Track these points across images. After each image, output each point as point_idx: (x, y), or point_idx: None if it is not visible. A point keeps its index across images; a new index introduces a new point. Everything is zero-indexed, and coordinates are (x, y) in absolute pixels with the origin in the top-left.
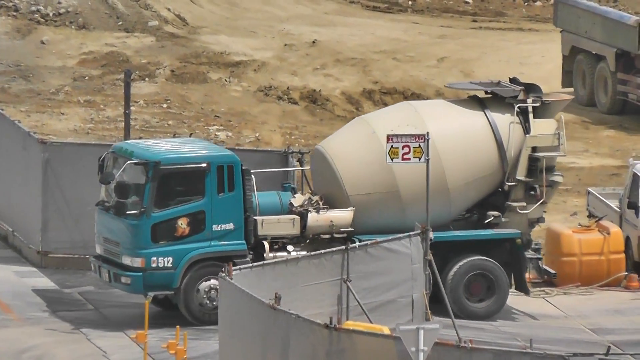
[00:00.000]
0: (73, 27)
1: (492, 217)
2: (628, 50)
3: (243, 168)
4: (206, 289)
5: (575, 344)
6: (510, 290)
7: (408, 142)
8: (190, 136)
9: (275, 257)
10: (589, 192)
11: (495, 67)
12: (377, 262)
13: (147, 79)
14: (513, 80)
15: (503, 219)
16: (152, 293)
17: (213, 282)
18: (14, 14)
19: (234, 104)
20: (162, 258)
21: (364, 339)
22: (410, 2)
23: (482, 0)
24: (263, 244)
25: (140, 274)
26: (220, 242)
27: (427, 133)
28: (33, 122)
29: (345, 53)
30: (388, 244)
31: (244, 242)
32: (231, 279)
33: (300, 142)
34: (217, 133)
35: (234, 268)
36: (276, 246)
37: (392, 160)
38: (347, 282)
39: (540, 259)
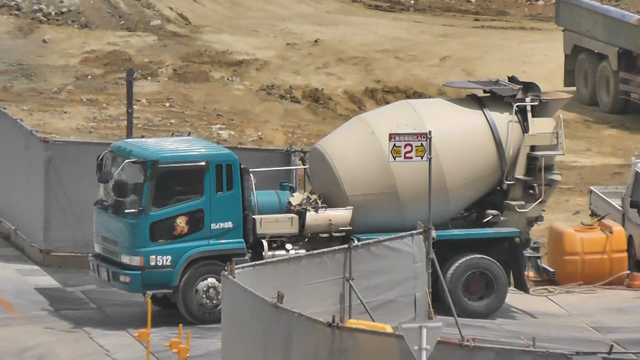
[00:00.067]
0: (75, 26)
1: (491, 216)
2: (630, 50)
3: (241, 167)
4: (205, 288)
5: (578, 342)
6: (509, 288)
7: (410, 140)
8: (188, 135)
9: (273, 255)
10: (591, 191)
11: (497, 66)
12: (380, 261)
13: (149, 77)
14: (512, 79)
15: (502, 218)
16: (151, 292)
17: (212, 280)
18: (16, 12)
19: (237, 102)
20: (160, 257)
21: (367, 337)
22: (412, 1)
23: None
24: (262, 242)
25: (139, 272)
26: (219, 241)
27: (430, 132)
28: (35, 121)
29: (347, 52)
30: (390, 242)
31: (242, 240)
32: (234, 277)
33: (303, 141)
34: (219, 132)
35: (236, 267)
36: (275, 245)
37: (394, 159)
38: (350, 281)
39: (539, 257)
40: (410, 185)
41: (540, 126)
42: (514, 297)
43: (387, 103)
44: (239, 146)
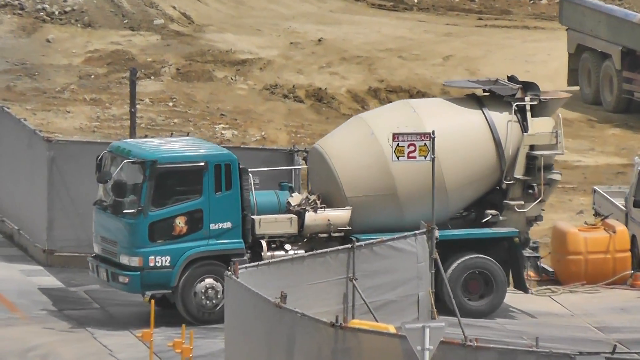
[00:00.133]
0: (78, 25)
1: (490, 216)
2: (633, 49)
3: (240, 167)
4: (204, 288)
5: (581, 342)
6: (510, 289)
7: (414, 140)
8: (187, 135)
9: (272, 256)
10: (594, 191)
11: (500, 65)
12: (383, 261)
13: (152, 77)
14: (511, 79)
15: (501, 218)
16: (150, 292)
17: (211, 280)
18: (20, 12)
19: (240, 102)
20: (159, 257)
21: (370, 337)
22: (415, 0)
23: None
24: (260, 242)
25: (138, 273)
26: (218, 241)
27: (433, 132)
28: (39, 121)
29: (350, 51)
30: (394, 242)
31: (241, 241)
32: (237, 277)
33: (306, 140)
34: (222, 131)
35: (240, 266)
36: (274, 245)
37: (397, 158)
38: (353, 281)
39: (538, 257)
40: (409, 186)
41: (540, 126)
42: (517, 297)
43: (391, 102)
44: (242, 146)
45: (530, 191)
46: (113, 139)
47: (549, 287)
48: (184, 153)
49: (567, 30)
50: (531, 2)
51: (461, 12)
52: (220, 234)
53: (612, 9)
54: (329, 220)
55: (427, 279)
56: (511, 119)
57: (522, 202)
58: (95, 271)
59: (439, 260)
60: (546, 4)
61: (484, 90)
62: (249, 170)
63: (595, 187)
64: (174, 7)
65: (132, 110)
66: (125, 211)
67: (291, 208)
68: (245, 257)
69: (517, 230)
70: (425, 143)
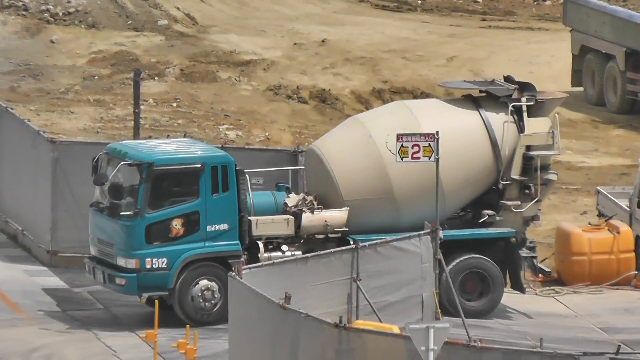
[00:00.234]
0: (82, 26)
1: (487, 216)
2: (637, 50)
3: (237, 168)
4: (201, 290)
5: (585, 343)
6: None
7: (418, 141)
8: (184, 136)
9: (269, 257)
10: (598, 192)
11: (504, 66)
12: (387, 261)
13: (156, 78)
14: (507, 79)
15: (498, 218)
16: (147, 294)
17: (207, 282)
18: (24, 13)
19: (244, 103)
20: (156, 259)
21: (374, 338)
22: (419, 1)
23: (491, 0)
24: (257, 244)
25: (135, 275)
26: (215, 243)
27: (437, 132)
28: (42, 121)
29: (354, 52)
30: (398, 243)
31: (238, 242)
32: (241, 278)
33: (310, 141)
34: (226, 132)
35: (243, 267)
36: (270, 246)
37: (402, 159)
38: (357, 281)
39: (535, 257)
40: (406, 187)
41: (536, 126)
42: (520, 298)
43: None
44: (246, 146)
45: (527, 191)
46: (117, 140)
47: (553, 287)
48: (181, 155)
49: (571, 31)
50: (535, 3)
51: (465, 13)
52: (217, 235)
53: (616, 10)
54: (325, 221)
55: (431, 279)
56: (507, 120)
57: (519, 203)
58: (92, 273)
59: (443, 261)
60: (550, 5)
61: (481, 91)
62: (252, 170)
63: (599, 188)
64: (178, 8)
65: (136, 111)
66: (121, 213)
67: (288, 209)
68: (242, 259)
69: (514, 230)
70: (429, 144)
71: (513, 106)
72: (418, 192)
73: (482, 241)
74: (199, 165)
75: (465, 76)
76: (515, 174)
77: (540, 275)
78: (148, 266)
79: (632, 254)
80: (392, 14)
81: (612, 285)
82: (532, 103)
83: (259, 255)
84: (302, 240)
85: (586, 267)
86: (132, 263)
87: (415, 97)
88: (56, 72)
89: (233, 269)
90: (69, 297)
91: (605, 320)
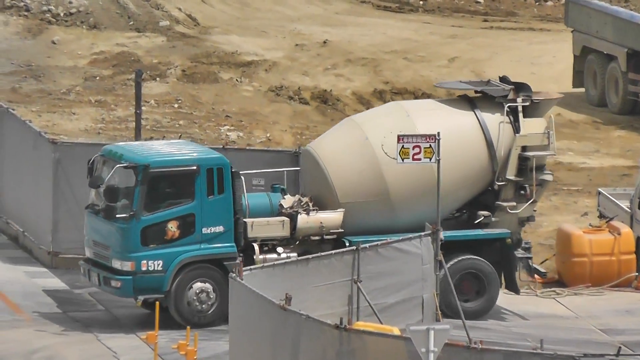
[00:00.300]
0: (84, 27)
1: (482, 217)
2: (639, 50)
3: (232, 170)
4: (196, 292)
5: (586, 344)
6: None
7: (419, 142)
8: (179, 138)
9: (265, 259)
10: (599, 193)
11: (506, 67)
12: (388, 263)
13: (158, 78)
14: (503, 79)
15: (493, 219)
16: (142, 297)
17: (203, 284)
18: (25, 13)
19: (245, 104)
20: (152, 261)
21: (375, 339)
22: (421, 2)
23: (493, 0)
24: (253, 246)
25: (130, 277)
26: (210, 245)
27: (438, 133)
28: (44, 122)
29: (356, 53)
30: (398, 244)
31: (233, 244)
32: (242, 279)
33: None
34: (228, 133)
35: (244, 268)
36: (266, 248)
37: (402, 160)
38: (358, 283)
39: (530, 258)
40: (402, 189)
41: (532, 126)
42: (520, 299)
43: None
44: (247, 147)
45: (523, 192)
46: (118, 141)
47: (553, 289)
48: (176, 157)
49: (572, 32)
50: (537, 3)
51: (467, 14)
52: (212, 238)
53: (618, 11)
54: (321, 222)
55: (432, 281)
56: (503, 120)
57: (514, 203)
58: (87, 275)
59: (444, 263)
60: (552, 5)
61: (476, 92)
62: (252, 172)
63: (600, 189)
64: (180, 9)
65: (138, 111)
66: (117, 216)
67: (283, 210)
68: (237, 261)
69: (510, 231)
70: (430, 145)
71: (509, 107)
72: (414, 194)
73: (478, 242)
74: (195, 168)
75: (467, 77)
76: (510, 174)
77: (535, 276)
78: (144, 269)
79: (633, 256)
80: (393, 14)
81: (613, 287)
82: (527, 103)
83: (255, 257)
84: (297, 242)
85: (587, 268)
86: (127, 265)
87: (416, 98)
88: (57, 73)
89: (234, 270)
90: (70, 298)
91: (605, 322)
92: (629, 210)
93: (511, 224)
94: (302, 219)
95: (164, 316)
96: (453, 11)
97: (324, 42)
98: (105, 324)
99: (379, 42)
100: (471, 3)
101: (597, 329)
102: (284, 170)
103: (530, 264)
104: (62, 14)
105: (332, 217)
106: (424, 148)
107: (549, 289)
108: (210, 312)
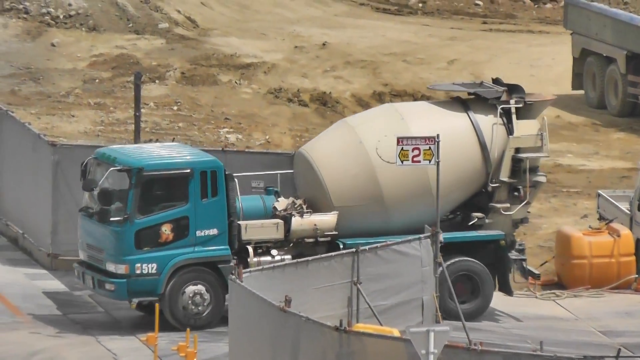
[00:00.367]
0: (83, 29)
1: (476, 219)
2: (638, 53)
3: (226, 173)
4: (190, 295)
5: (586, 346)
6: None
7: (418, 144)
8: (172, 141)
9: (259, 261)
10: (599, 195)
11: (505, 69)
12: (387, 265)
13: (157, 81)
14: (496, 81)
15: (487, 220)
16: (137, 299)
17: (197, 287)
18: (25, 16)
19: (244, 106)
20: (146, 264)
21: (374, 341)
22: (420, 5)
23: (492, 3)
24: (247, 248)
25: (124, 280)
26: (204, 248)
27: (437, 135)
28: (43, 125)
29: (355, 55)
30: (398, 246)
31: (227, 247)
32: (241, 281)
33: None
34: (227, 135)
35: (244, 270)
36: (260, 250)
37: (402, 162)
38: (358, 285)
39: (524, 259)
40: (396, 192)
41: (525, 128)
42: (520, 301)
43: None
44: (246, 150)
45: (516, 194)
46: (117, 143)
47: (553, 291)
48: (170, 160)
49: (571, 34)
50: (536, 6)
51: (466, 16)
52: (206, 240)
53: (617, 13)
54: (315, 225)
55: (432, 282)
56: (496, 122)
57: (508, 205)
58: (81, 278)
59: (443, 264)
60: (551, 8)
61: (469, 93)
62: (246, 174)
63: (599, 191)
64: (179, 11)
65: (137, 114)
66: (111, 219)
67: (277, 213)
68: (231, 264)
69: (504, 232)
70: (429, 147)
71: (502, 108)
72: (407, 197)
73: (472, 244)
74: (188, 170)
75: (466, 79)
76: (504, 176)
77: (529, 277)
78: (138, 271)
79: (633, 258)
80: (393, 17)
81: (613, 289)
82: (520, 105)
83: (249, 259)
84: (291, 244)
85: (587, 270)
86: (121, 268)
87: (416, 100)
88: (57, 76)
89: (233, 272)
90: (70, 300)
91: (605, 324)
92: (629, 212)
93: (505, 226)
94: (296, 221)
95: (164, 318)
96: (452, 13)
97: (323, 44)
98: (105, 325)
99: (378, 44)
100: (470, 5)
101: (596, 331)
102: (277, 173)
103: (524, 265)
104: (61, 17)
105: (326, 220)
106: (424, 150)
107: (548, 291)
108: (204, 314)
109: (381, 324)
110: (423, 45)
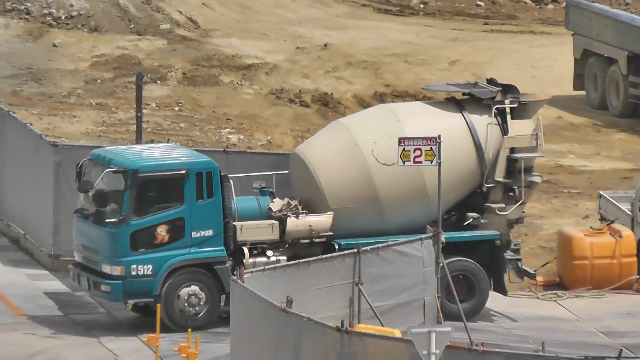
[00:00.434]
0: (85, 30)
1: (471, 219)
2: (639, 53)
3: (221, 174)
4: (186, 296)
5: (587, 347)
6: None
7: (420, 145)
8: (167, 141)
9: (254, 262)
10: (600, 196)
11: (507, 70)
12: (389, 265)
13: (158, 81)
14: (490, 81)
15: (482, 220)
16: (132, 301)
17: (193, 288)
18: (26, 17)
19: (246, 106)
20: (141, 266)
21: (376, 342)
22: (422, 5)
23: (493, 3)
24: (242, 249)
25: (120, 282)
26: (200, 249)
27: (439, 136)
28: (45, 125)
29: (356, 56)
30: (400, 247)
31: (223, 248)
32: (243, 282)
33: None
34: (228, 136)
35: (245, 271)
36: (255, 251)
37: (403, 163)
38: (359, 285)
39: (519, 259)
40: (392, 193)
41: (520, 128)
42: (522, 302)
43: None
44: (248, 150)
45: (511, 194)
46: (119, 144)
47: (555, 292)
48: (165, 161)
49: (573, 35)
50: (537, 7)
51: (467, 17)
52: (202, 241)
53: (619, 14)
54: (310, 225)
55: (433, 283)
56: (491, 122)
57: (503, 205)
58: (77, 279)
59: (445, 265)
60: (552, 9)
61: (464, 94)
62: (240, 175)
63: (601, 192)
64: (181, 12)
65: (138, 114)
66: (107, 220)
67: (272, 214)
68: (227, 265)
69: (499, 232)
70: (431, 147)
71: (496, 108)
72: (403, 198)
73: (467, 244)
74: (184, 172)
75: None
76: (499, 176)
77: (525, 277)
78: (133, 273)
79: (634, 258)
80: (394, 17)
81: (614, 290)
82: (515, 105)
83: (244, 260)
84: (287, 245)
85: (588, 271)
86: (117, 270)
87: (417, 101)
88: (58, 76)
89: (235, 273)
90: (71, 301)
91: (607, 325)
92: (630, 213)
93: (500, 226)
94: (292, 222)
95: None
96: (454, 14)
97: (325, 45)
98: (107, 326)
99: (380, 45)
100: (472, 6)
101: (598, 332)
102: (272, 174)
103: (520, 265)
104: (63, 17)
105: (321, 221)
106: (425, 151)
107: (550, 292)
108: (200, 315)
109: (382, 325)
110: (424, 46)
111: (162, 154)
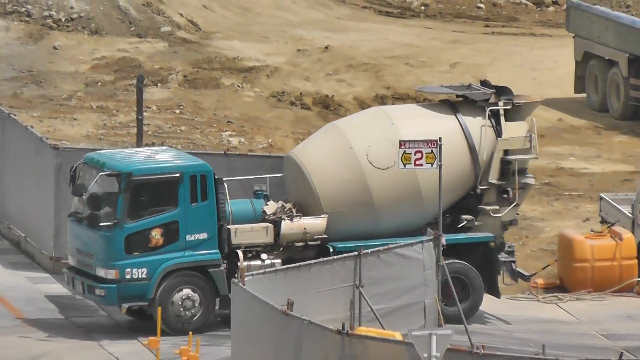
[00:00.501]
0: (85, 32)
1: (466, 221)
2: None
3: (216, 177)
4: (181, 299)
5: (588, 349)
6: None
7: (421, 147)
8: (161, 145)
9: (249, 266)
10: (601, 198)
11: (507, 72)
12: (390, 268)
13: (159, 84)
14: (484, 83)
15: (476, 223)
16: (127, 304)
17: (187, 291)
18: (27, 19)
19: (247, 109)
20: (136, 269)
21: (377, 344)
22: (422, 8)
23: (494, 6)
24: (237, 252)
25: (115, 285)
26: (194, 252)
27: (440, 139)
28: (45, 128)
29: (357, 58)
30: (400, 249)
31: (217, 251)
32: (244, 284)
33: None
34: (229, 139)
35: (246, 274)
36: (250, 254)
37: (404, 166)
38: (360, 288)
39: (514, 261)
40: (386, 197)
41: (513, 130)
42: (522, 304)
43: None
44: (249, 153)
45: (505, 196)
46: (120, 146)
47: (555, 294)
48: (159, 164)
49: (574, 37)
50: (538, 9)
51: (468, 19)
52: (196, 245)
53: (620, 16)
54: (305, 228)
55: (434, 286)
56: (485, 124)
57: (497, 207)
58: (71, 283)
59: (446, 268)
60: (553, 11)
61: (458, 96)
62: (234, 178)
63: (601, 195)
64: (181, 15)
65: (139, 117)
66: (101, 224)
67: (267, 217)
68: (221, 268)
69: (493, 235)
70: (432, 150)
71: (490, 110)
72: (397, 201)
73: (461, 246)
74: (178, 175)
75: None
76: (493, 178)
77: (519, 279)
78: (128, 276)
79: (635, 261)
80: (395, 20)
81: (615, 292)
82: (509, 107)
83: (239, 263)
84: (281, 248)
85: (589, 273)
86: (112, 273)
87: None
88: (59, 79)
89: (236, 275)
90: (72, 304)
91: (607, 327)
92: (631, 216)
93: (494, 228)
94: (286, 225)
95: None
96: (454, 16)
97: (326, 48)
98: (107, 329)
99: (381, 47)
100: (472, 8)
101: (599, 334)
102: (266, 177)
103: (514, 267)
104: (63, 20)
105: (315, 223)
106: (426, 154)
107: (550, 294)
108: (195, 318)
109: (383, 327)
110: (425, 48)
111: (156, 157)
